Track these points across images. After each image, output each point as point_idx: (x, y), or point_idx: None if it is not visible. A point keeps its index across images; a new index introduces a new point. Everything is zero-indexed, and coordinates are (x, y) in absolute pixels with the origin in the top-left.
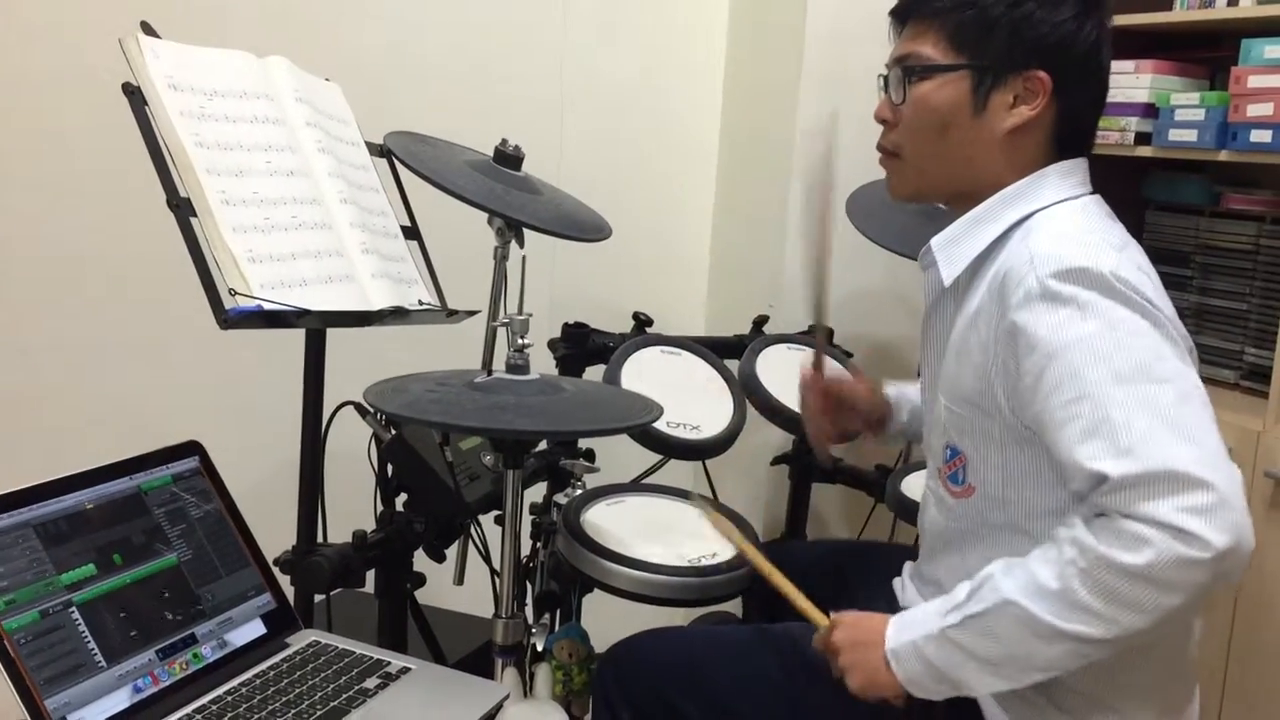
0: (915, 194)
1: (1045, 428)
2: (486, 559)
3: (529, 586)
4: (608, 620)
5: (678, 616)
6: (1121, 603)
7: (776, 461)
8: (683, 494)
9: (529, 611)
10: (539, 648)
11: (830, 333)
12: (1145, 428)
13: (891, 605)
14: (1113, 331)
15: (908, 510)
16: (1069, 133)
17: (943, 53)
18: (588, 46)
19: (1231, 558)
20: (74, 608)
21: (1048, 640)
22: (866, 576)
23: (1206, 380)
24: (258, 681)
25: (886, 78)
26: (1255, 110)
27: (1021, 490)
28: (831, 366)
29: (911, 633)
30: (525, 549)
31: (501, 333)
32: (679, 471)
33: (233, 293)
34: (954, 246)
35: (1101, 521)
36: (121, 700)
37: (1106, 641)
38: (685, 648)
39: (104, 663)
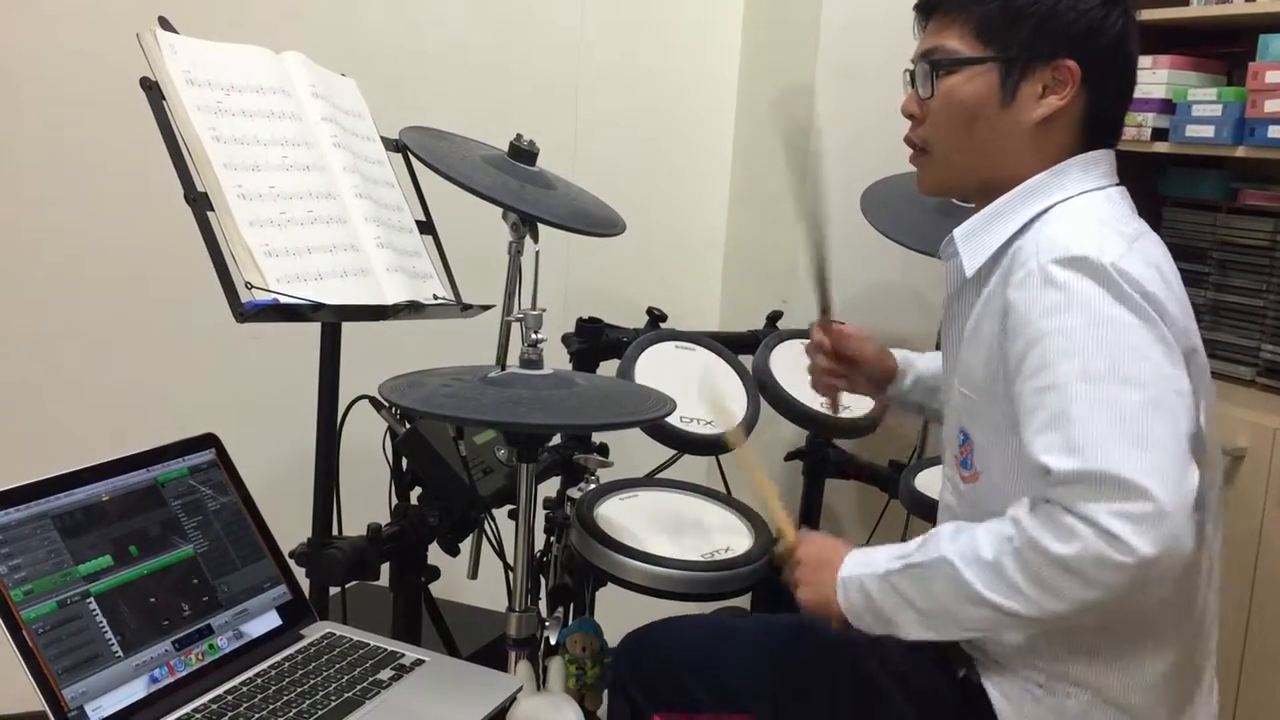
0: (945, 188)
1: (1018, 410)
2: (500, 553)
3: (542, 580)
4: (621, 614)
5: (690, 611)
6: (1043, 586)
7: (790, 457)
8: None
9: (542, 605)
10: (552, 641)
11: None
12: (1100, 428)
13: None
14: (1095, 327)
15: (922, 506)
16: (1098, 123)
17: (969, 45)
18: (603, 41)
19: (1157, 567)
20: (91, 598)
21: (974, 604)
22: None
23: (1223, 377)
24: (273, 672)
25: (913, 73)
26: (1273, 106)
27: (1018, 478)
28: (840, 328)
29: (863, 568)
30: (539, 543)
31: (516, 327)
32: (692, 466)
33: (249, 286)
34: (977, 237)
35: (1043, 508)
36: (138, 690)
37: (1025, 618)
38: (700, 637)
39: (121, 653)
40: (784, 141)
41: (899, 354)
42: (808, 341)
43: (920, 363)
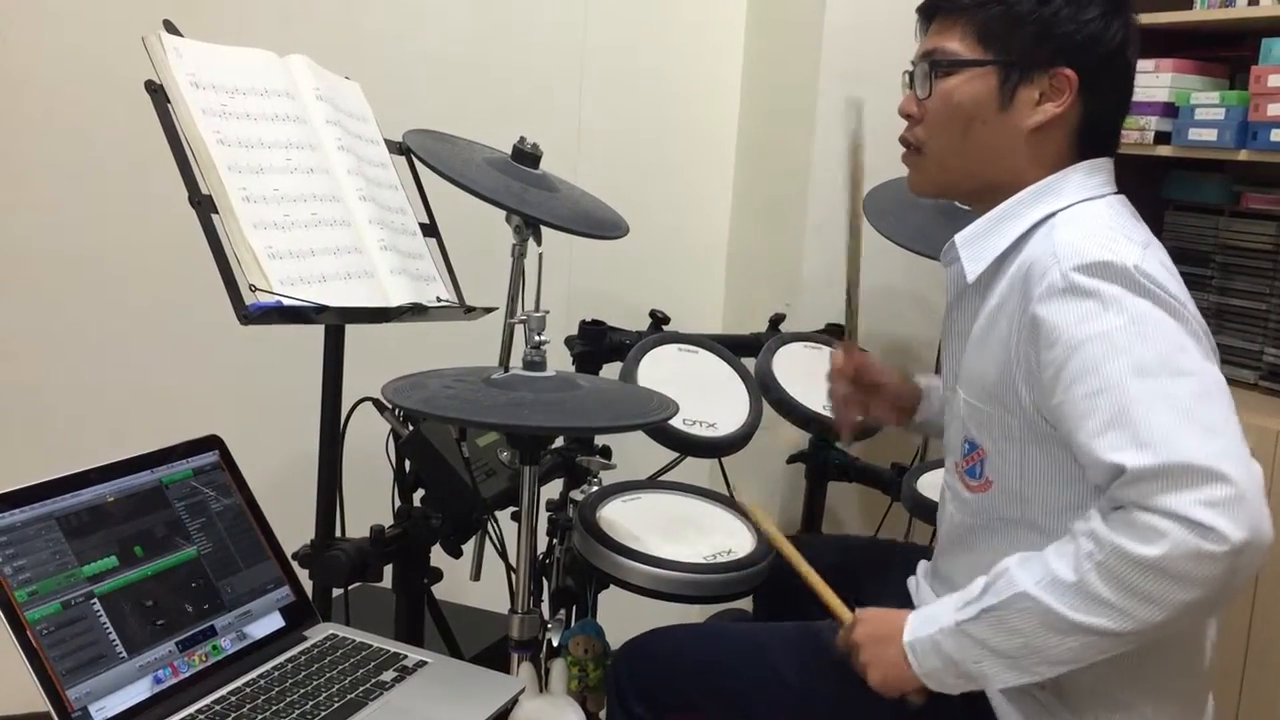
0: (937, 189)
1: (1065, 420)
2: (503, 555)
3: (545, 582)
4: (623, 616)
5: (692, 613)
6: (1137, 595)
7: (792, 460)
8: (722, 497)
9: (545, 607)
10: (554, 643)
11: (845, 331)
12: (1165, 421)
13: (905, 604)
14: (1134, 325)
15: (924, 509)
16: (1094, 132)
17: (969, 48)
18: (606, 44)
19: (1248, 552)
20: (95, 599)
21: (1064, 633)
22: (881, 575)
23: (1226, 380)
24: (276, 674)
25: (912, 73)
26: (1276, 109)
27: (1038, 486)
28: (863, 356)
29: (929, 627)
30: (541, 545)
31: (519, 330)
32: (695, 469)
33: (253, 289)
34: (978, 242)
35: (1118, 515)
36: (142, 691)
37: (1123, 635)
38: (700, 643)
39: (125, 654)
40: (849, 157)
41: (922, 379)
42: (815, 345)
43: (939, 383)
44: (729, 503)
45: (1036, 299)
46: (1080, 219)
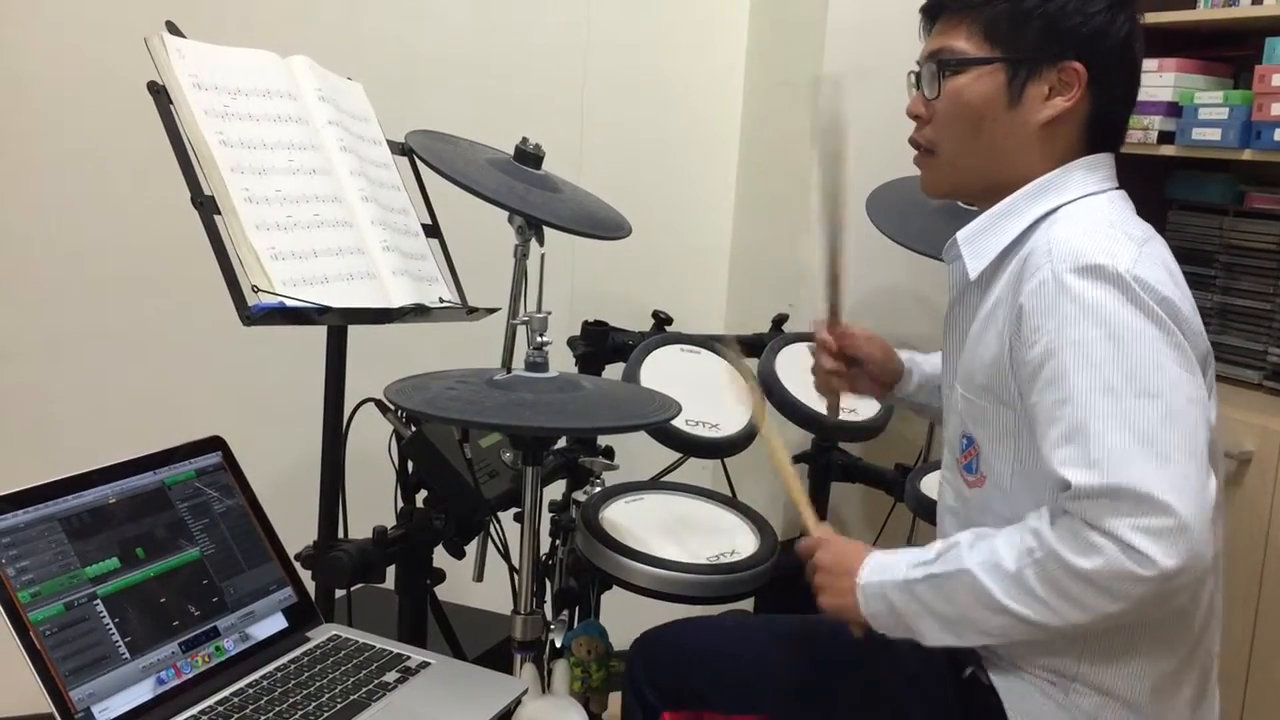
0: (950, 190)
1: (1035, 421)
2: (506, 556)
3: (548, 583)
4: (626, 617)
5: (695, 614)
6: (1065, 597)
7: (795, 460)
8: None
9: (548, 608)
10: (557, 644)
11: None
12: (1119, 442)
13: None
14: (1111, 340)
15: (927, 509)
16: (1103, 125)
17: (976, 46)
18: (609, 45)
19: (1179, 578)
20: (98, 600)
21: (995, 612)
22: None
23: (1229, 380)
24: (279, 674)
25: (918, 74)
26: (1279, 109)
27: (1027, 482)
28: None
29: (882, 575)
30: (544, 546)
31: (521, 330)
32: (698, 470)
33: (255, 290)
34: (980, 240)
35: (1063, 521)
36: (145, 692)
37: (1046, 626)
38: (714, 636)
39: (128, 655)
40: (815, 131)
41: (905, 355)
42: (814, 346)
43: (926, 364)
44: (732, 504)
45: (1025, 292)
46: (1081, 215)
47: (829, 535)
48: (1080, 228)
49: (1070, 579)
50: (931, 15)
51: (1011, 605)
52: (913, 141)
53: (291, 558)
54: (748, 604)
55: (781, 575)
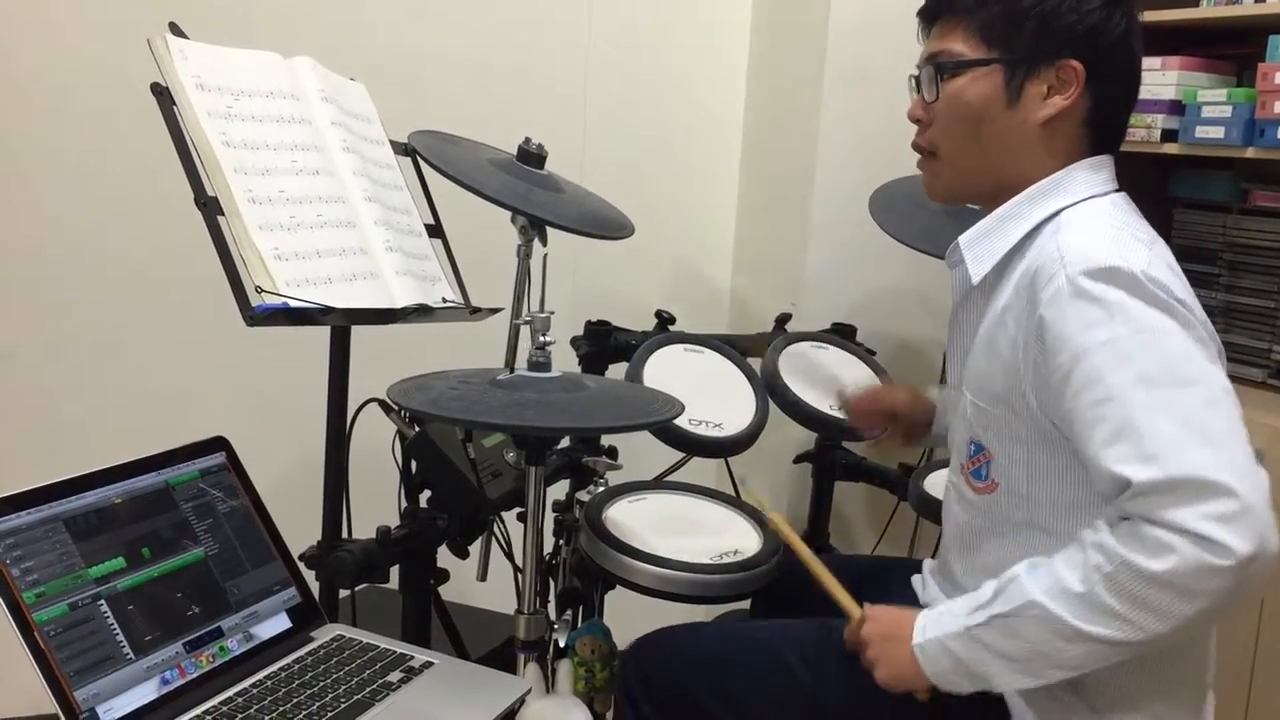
0: (954, 193)
1: (1072, 427)
2: (509, 555)
3: (551, 583)
4: (630, 617)
5: (698, 614)
6: (1145, 607)
7: (799, 460)
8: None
9: (551, 608)
10: (561, 644)
11: (853, 330)
12: (1170, 433)
13: (912, 605)
14: (1140, 334)
15: (930, 509)
16: (1103, 124)
17: (973, 48)
18: (611, 45)
19: (1255, 564)
20: (103, 600)
21: (1071, 641)
22: (884, 594)
23: (1234, 379)
24: (283, 674)
25: (918, 78)
26: None
27: (1045, 488)
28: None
29: (938, 629)
30: (548, 546)
31: (524, 330)
32: (701, 469)
33: (259, 290)
34: (982, 243)
35: (1126, 526)
36: (149, 692)
37: (1129, 644)
38: (709, 643)
39: (132, 655)
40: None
41: (933, 392)
42: (821, 344)
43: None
44: (735, 503)
45: (1044, 303)
46: (1086, 219)
47: (871, 608)
48: (1089, 232)
49: (1146, 586)
50: (929, 18)
51: (1088, 629)
52: (915, 146)
53: (295, 558)
54: (743, 605)
55: (777, 578)
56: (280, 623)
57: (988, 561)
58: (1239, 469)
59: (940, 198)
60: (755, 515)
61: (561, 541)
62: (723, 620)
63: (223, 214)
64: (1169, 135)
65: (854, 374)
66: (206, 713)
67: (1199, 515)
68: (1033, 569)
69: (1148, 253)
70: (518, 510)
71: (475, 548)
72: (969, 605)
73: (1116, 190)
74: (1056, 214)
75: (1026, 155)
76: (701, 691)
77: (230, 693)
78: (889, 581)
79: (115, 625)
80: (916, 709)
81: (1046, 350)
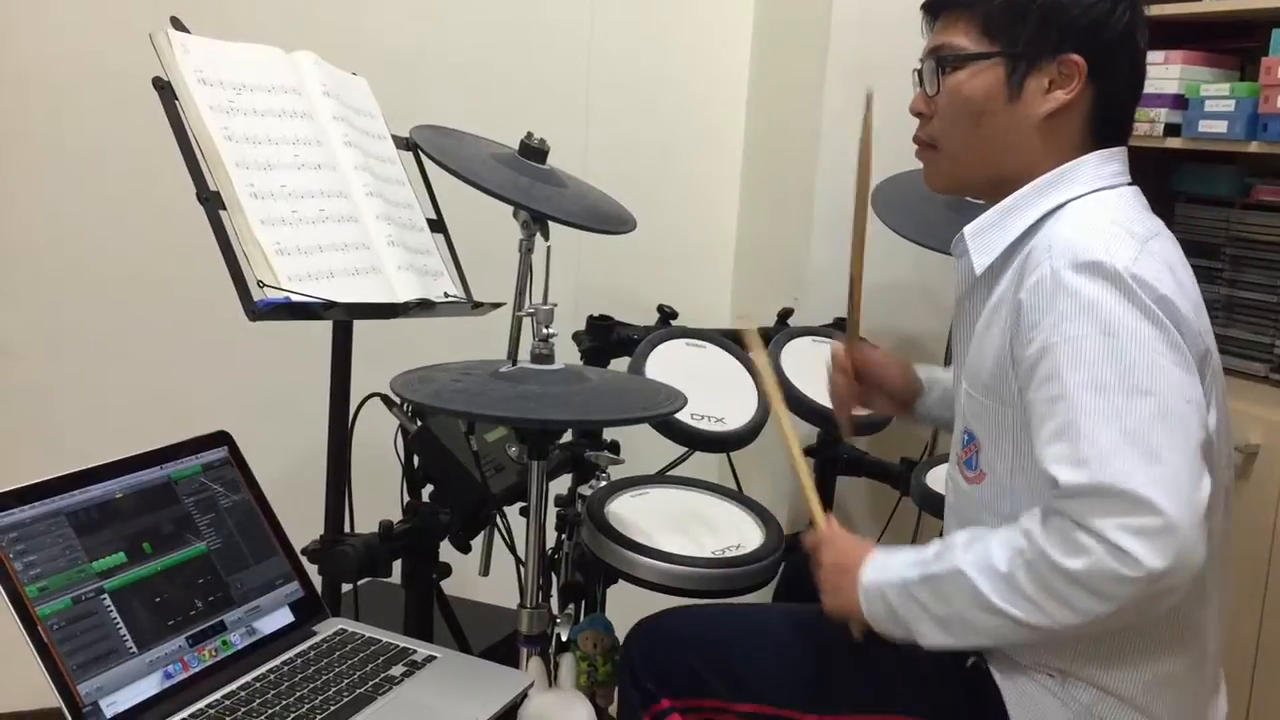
0: (953, 185)
1: (1030, 417)
2: (512, 550)
3: (554, 577)
4: (632, 611)
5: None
6: (1055, 598)
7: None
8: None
9: (554, 602)
10: (563, 638)
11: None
12: (1108, 441)
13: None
14: (1105, 336)
15: (932, 503)
16: (1106, 119)
17: (975, 42)
18: (613, 39)
19: (1167, 579)
20: (105, 594)
21: (988, 613)
22: None
23: (1236, 373)
24: (285, 669)
25: (920, 71)
26: None
27: (1026, 479)
28: (861, 346)
29: (882, 575)
30: (550, 540)
31: (526, 324)
32: (703, 464)
33: (261, 285)
34: (987, 234)
35: (1052, 520)
36: (152, 686)
37: (1038, 628)
38: (711, 623)
39: (135, 649)
40: (861, 147)
41: (923, 370)
42: (823, 339)
43: (945, 377)
44: (738, 498)
45: (1025, 288)
46: (1086, 211)
47: (834, 532)
48: (1082, 224)
49: (1058, 579)
50: (932, 12)
51: (1003, 606)
52: (916, 138)
53: (298, 552)
54: (762, 595)
55: (801, 568)
56: (283, 617)
57: None
58: (1170, 486)
59: (938, 188)
60: (756, 510)
61: (564, 536)
62: (725, 603)
63: (224, 209)
64: (1172, 129)
65: None
66: (209, 706)
67: (1116, 526)
68: (970, 540)
69: (1139, 248)
70: (520, 504)
71: (477, 542)
72: (911, 559)
73: (1128, 183)
74: (1061, 206)
75: (1027, 150)
76: (703, 669)
77: (233, 686)
78: None
79: (118, 619)
80: (915, 690)
81: (1020, 336)
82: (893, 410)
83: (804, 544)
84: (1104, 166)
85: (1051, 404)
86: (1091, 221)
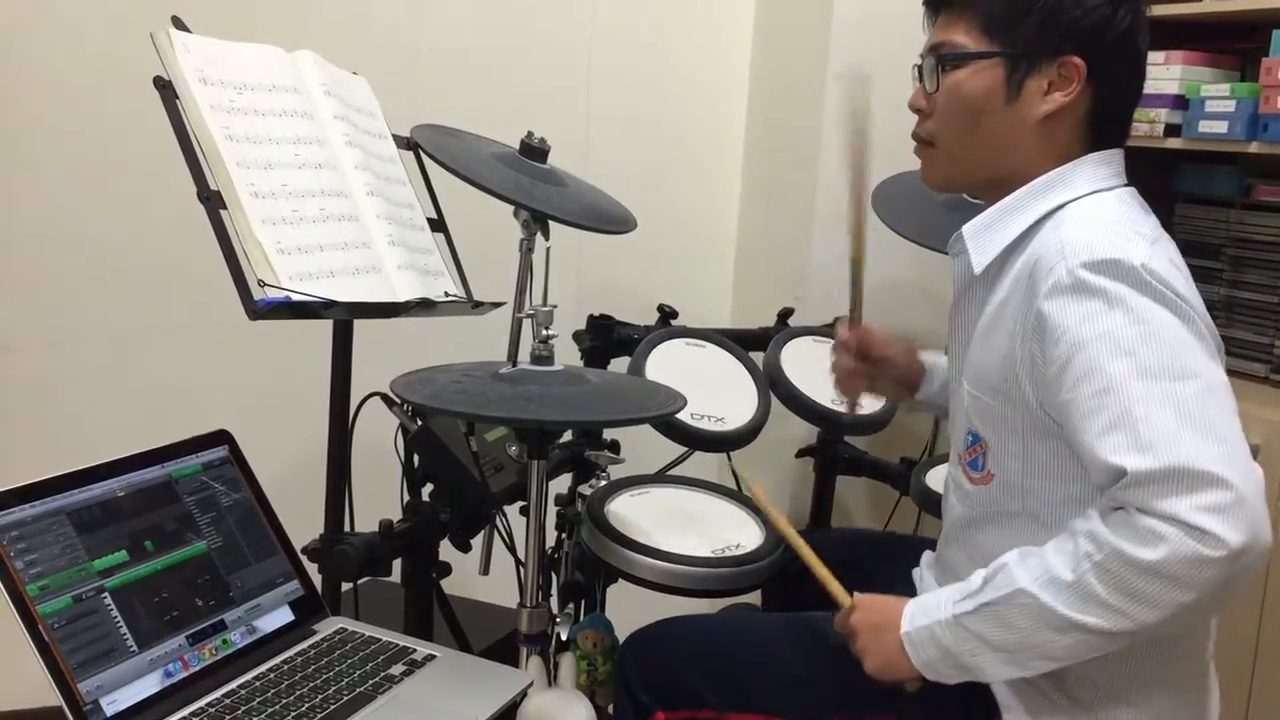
0: (948, 182)
1: (1070, 418)
2: (511, 549)
3: (554, 577)
4: (632, 611)
5: (701, 607)
6: (1135, 597)
7: (801, 454)
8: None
9: (554, 601)
10: (563, 638)
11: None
12: (1166, 424)
13: (911, 595)
14: (1139, 326)
15: (932, 503)
16: (1104, 121)
17: (975, 40)
18: (614, 38)
19: (1247, 556)
20: (106, 593)
21: (1060, 630)
22: (888, 567)
23: (1236, 374)
24: (286, 667)
25: (920, 67)
26: None
27: (1041, 479)
28: (865, 327)
29: (927, 618)
30: (550, 539)
31: (527, 324)
32: (703, 463)
33: (261, 284)
34: (985, 234)
35: (1118, 516)
36: (152, 684)
37: (1118, 634)
38: (706, 634)
39: (135, 647)
40: (848, 123)
41: (925, 356)
42: (823, 338)
43: (944, 362)
44: (737, 497)
45: (1043, 295)
46: (1089, 213)
47: (860, 597)
48: (1091, 226)
49: (1136, 575)
50: (934, 9)
51: (1078, 618)
52: (914, 135)
53: (298, 551)
54: (754, 598)
55: (788, 571)
56: (283, 616)
57: (985, 553)
58: (1235, 462)
59: (935, 186)
60: (756, 510)
61: (564, 535)
62: (721, 612)
63: (225, 208)
64: (1172, 130)
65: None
66: (209, 705)
67: (1192, 506)
68: (1023, 557)
69: (1149, 246)
70: (520, 504)
71: (477, 541)
72: (958, 594)
73: (1125, 185)
74: (1060, 208)
75: (1024, 150)
76: (698, 681)
77: (233, 685)
78: (896, 555)
79: (119, 618)
80: (908, 703)
81: (1045, 342)
82: (896, 394)
83: (836, 625)
84: (1101, 169)
85: (1097, 397)
86: (1099, 223)
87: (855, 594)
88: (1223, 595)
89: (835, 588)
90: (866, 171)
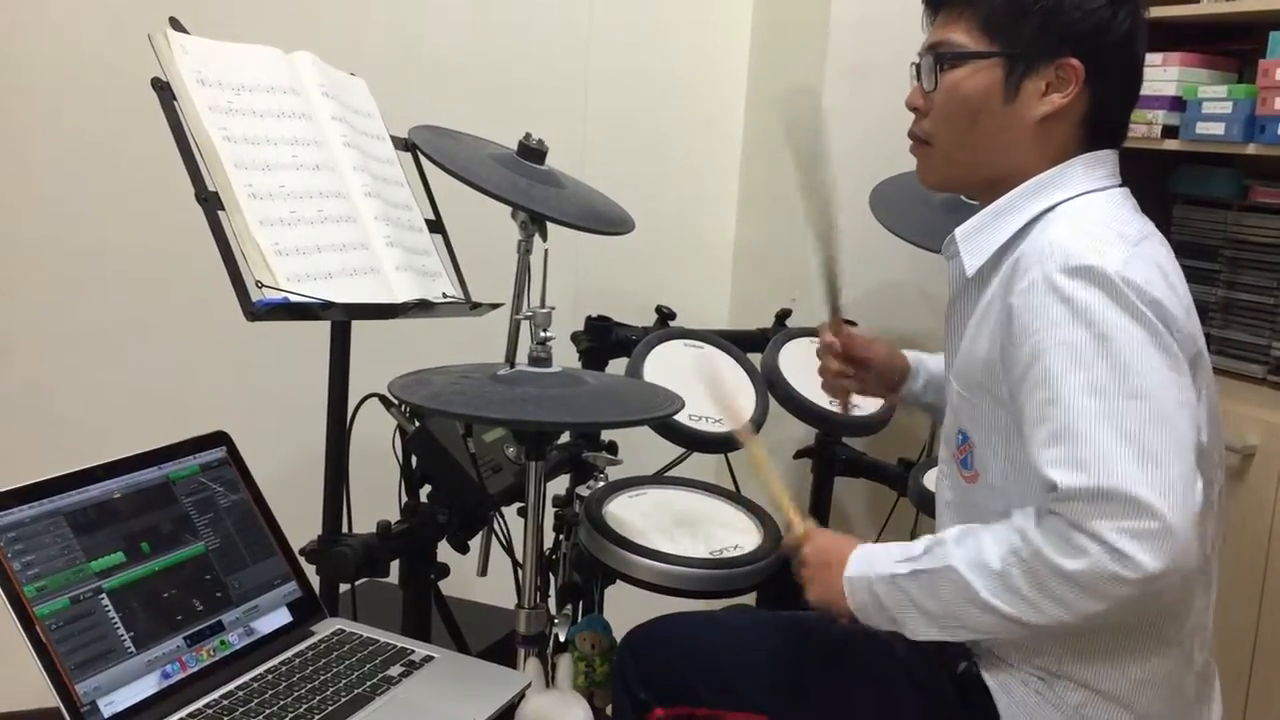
0: (944, 182)
1: (1023, 421)
2: (509, 550)
3: (551, 578)
4: (629, 611)
5: (698, 608)
6: (1049, 597)
7: (799, 455)
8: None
9: (551, 603)
10: (561, 639)
11: (853, 325)
12: (1106, 444)
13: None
14: (1100, 341)
15: (930, 504)
16: (1101, 123)
17: (974, 40)
18: (612, 40)
19: (1161, 581)
20: (104, 594)
21: (980, 609)
22: None
23: (1233, 374)
24: (283, 669)
25: (919, 65)
26: None
27: (1019, 481)
28: (850, 330)
29: (869, 569)
30: (548, 541)
31: (524, 326)
32: (701, 464)
33: (259, 285)
34: (978, 236)
35: (1049, 520)
36: (150, 686)
37: (1030, 625)
38: (703, 632)
39: (133, 649)
40: (788, 139)
41: (911, 355)
42: (818, 341)
43: (932, 363)
44: (735, 498)
45: (1016, 292)
46: (1076, 214)
47: (815, 530)
48: (1073, 228)
49: (1055, 579)
50: (934, 7)
51: (996, 603)
52: (911, 133)
53: (296, 552)
54: (751, 599)
55: (785, 571)
56: (281, 617)
57: None
58: (1167, 489)
59: (931, 185)
60: (754, 510)
61: (561, 536)
62: (719, 610)
63: (223, 209)
64: (1169, 131)
65: None
66: (207, 706)
67: (1115, 529)
68: (962, 536)
69: (1129, 251)
70: (518, 505)
71: (475, 542)
72: (900, 554)
73: (1118, 185)
74: (1051, 209)
75: (1020, 151)
76: (695, 677)
77: (231, 686)
78: None
79: (116, 619)
80: (902, 701)
81: (1012, 340)
82: (881, 391)
83: (785, 544)
84: (1094, 169)
85: (1045, 407)
86: (1082, 225)
87: (810, 526)
88: (1138, 609)
89: (790, 509)
90: (824, 174)
